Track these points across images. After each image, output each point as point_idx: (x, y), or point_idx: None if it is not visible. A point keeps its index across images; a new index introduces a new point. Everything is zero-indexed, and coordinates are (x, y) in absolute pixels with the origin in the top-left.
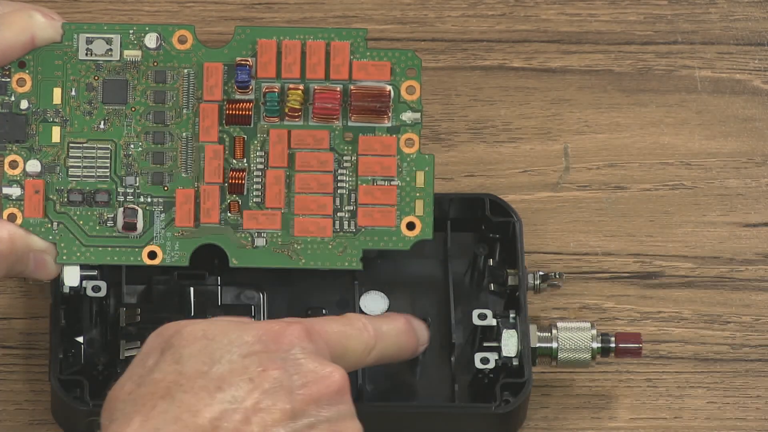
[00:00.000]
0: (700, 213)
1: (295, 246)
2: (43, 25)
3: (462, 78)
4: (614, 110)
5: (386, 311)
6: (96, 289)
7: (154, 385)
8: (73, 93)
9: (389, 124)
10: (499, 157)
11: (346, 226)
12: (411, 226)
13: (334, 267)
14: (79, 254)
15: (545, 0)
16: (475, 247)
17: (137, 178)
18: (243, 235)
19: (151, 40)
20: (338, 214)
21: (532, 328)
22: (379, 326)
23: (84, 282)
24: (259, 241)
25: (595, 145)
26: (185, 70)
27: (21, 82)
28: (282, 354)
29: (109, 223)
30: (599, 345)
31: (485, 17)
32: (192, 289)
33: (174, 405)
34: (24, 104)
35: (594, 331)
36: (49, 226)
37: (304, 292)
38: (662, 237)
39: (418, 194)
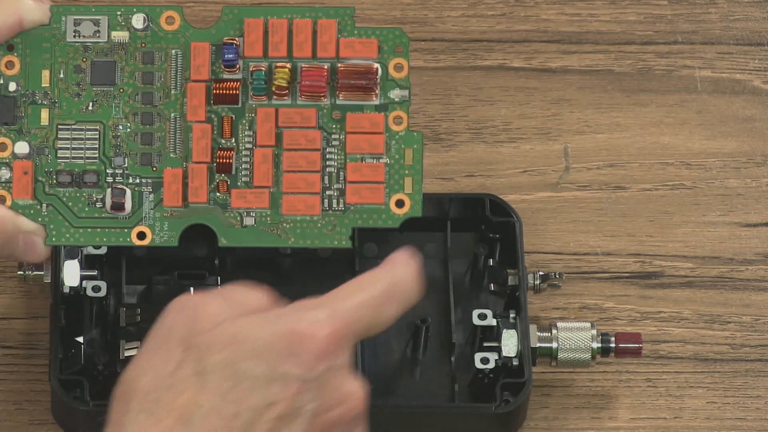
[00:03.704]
0: (700, 213)
1: (284, 225)
2: (31, 8)
3: (462, 78)
4: (614, 110)
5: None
6: (96, 289)
7: (173, 396)
8: (62, 75)
9: (377, 102)
10: (499, 157)
11: (334, 205)
12: (400, 203)
13: (324, 245)
14: (68, 236)
15: (545, 0)
16: (475, 247)
17: (126, 159)
18: (232, 214)
19: (138, 21)
20: (327, 192)
21: (532, 328)
22: (396, 285)
23: (84, 282)
24: (248, 221)
25: (595, 145)
26: (173, 51)
27: (9, 65)
28: (306, 371)
29: (98, 205)
30: (599, 345)
31: (485, 17)
32: (192, 289)
33: None
34: (12, 87)
35: (594, 331)
36: (39, 207)
37: (304, 292)
38: (662, 237)
39: (406, 172)
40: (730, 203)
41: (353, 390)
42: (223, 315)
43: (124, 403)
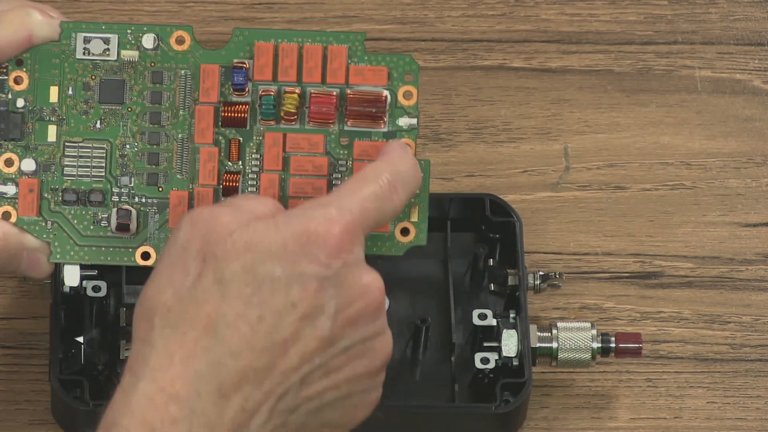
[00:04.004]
0: (700, 213)
1: None
2: (41, 24)
3: (462, 78)
4: (614, 110)
5: (386, 311)
6: (96, 289)
7: (197, 307)
8: (70, 92)
9: (385, 129)
10: (499, 157)
11: None
12: (405, 231)
13: None
14: (72, 253)
15: (545, 0)
16: (475, 247)
17: (132, 179)
18: None
19: (148, 41)
20: None
21: (532, 328)
22: (398, 175)
23: (84, 282)
24: None
25: (595, 145)
26: (182, 71)
27: (18, 80)
28: (323, 269)
29: (103, 223)
30: (599, 345)
31: (485, 17)
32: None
33: (217, 343)
34: (21, 102)
35: (594, 331)
36: (44, 224)
37: None
38: (662, 237)
39: (413, 200)
40: (730, 203)
41: (371, 281)
42: (236, 224)
43: (148, 320)
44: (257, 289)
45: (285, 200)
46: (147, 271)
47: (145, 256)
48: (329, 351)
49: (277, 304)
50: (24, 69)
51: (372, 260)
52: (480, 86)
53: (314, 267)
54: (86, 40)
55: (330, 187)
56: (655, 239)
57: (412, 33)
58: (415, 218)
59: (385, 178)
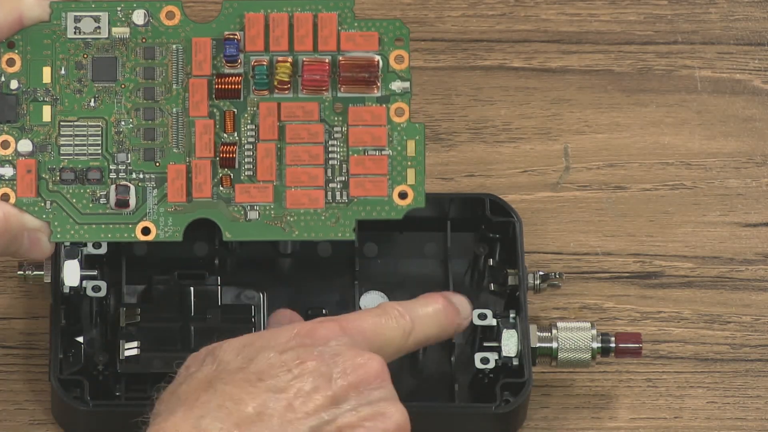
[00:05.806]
0: (700, 213)
1: (288, 218)
2: (31, 5)
3: (462, 78)
4: (614, 110)
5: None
6: (96, 289)
7: (196, 382)
8: (63, 72)
9: (379, 94)
10: (499, 157)
11: (338, 197)
12: (403, 195)
13: (328, 238)
14: (72, 232)
15: (545, 0)
16: (475, 247)
17: (129, 155)
18: (236, 208)
19: (138, 17)
20: (330, 185)
21: (532, 328)
22: (415, 310)
23: (84, 282)
24: (252, 214)
25: (595, 145)
26: (174, 46)
27: (10, 62)
28: (318, 347)
29: (102, 201)
30: (599, 345)
31: (485, 17)
32: (192, 289)
33: (216, 395)
34: (14, 84)
35: (594, 331)
36: (43, 204)
37: (304, 292)
38: (662, 237)
39: (409, 163)
40: (730, 203)
41: (369, 356)
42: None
43: (155, 410)
44: (253, 363)
45: (282, 169)
46: (147, 268)
47: (146, 231)
48: (336, 410)
49: (274, 372)
50: (16, 51)
51: (372, 261)
52: (480, 86)
53: (307, 346)
54: (77, 19)
55: (326, 153)
56: (655, 239)
57: (412, 33)
58: (412, 181)
59: (393, 309)
